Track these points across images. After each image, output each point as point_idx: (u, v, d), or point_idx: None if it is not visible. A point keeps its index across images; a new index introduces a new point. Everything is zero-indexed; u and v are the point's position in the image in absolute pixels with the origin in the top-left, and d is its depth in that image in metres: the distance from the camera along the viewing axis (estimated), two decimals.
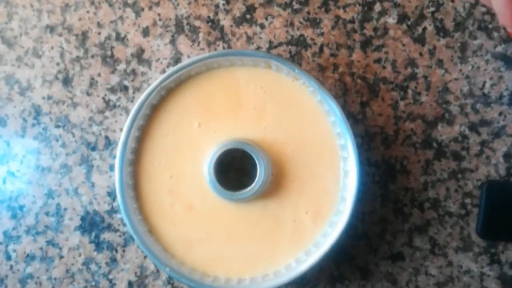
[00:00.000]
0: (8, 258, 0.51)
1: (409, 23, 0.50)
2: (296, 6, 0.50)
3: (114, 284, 0.51)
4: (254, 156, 0.44)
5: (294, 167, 0.46)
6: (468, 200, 0.50)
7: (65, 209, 0.51)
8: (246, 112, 0.46)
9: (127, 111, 0.51)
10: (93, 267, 0.51)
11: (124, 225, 0.51)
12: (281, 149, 0.46)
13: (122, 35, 0.51)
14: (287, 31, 0.50)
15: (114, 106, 0.51)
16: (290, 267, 0.45)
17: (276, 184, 0.46)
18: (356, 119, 0.50)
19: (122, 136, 0.45)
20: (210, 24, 0.51)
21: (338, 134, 0.45)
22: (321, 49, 0.50)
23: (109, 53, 0.51)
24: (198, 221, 0.46)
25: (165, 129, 0.46)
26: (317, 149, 0.46)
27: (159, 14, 0.51)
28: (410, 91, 0.50)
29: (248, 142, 0.45)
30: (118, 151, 0.45)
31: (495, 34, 0.49)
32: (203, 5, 0.51)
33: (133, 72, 0.51)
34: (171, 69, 0.45)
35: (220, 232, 0.46)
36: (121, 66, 0.51)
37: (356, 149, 0.44)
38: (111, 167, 0.51)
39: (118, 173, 0.45)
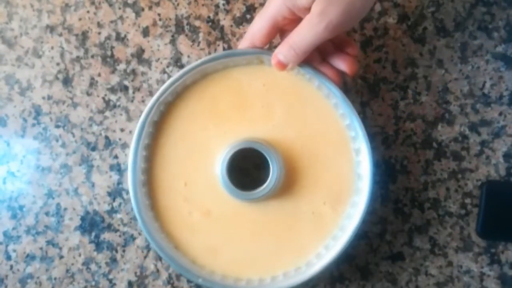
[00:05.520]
0: (8, 258, 0.51)
1: (409, 23, 0.50)
2: None
3: (114, 284, 0.51)
4: (265, 154, 0.44)
5: (306, 160, 0.45)
6: (468, 200, 0.50)
7: (65, 209, 0.51)
8: (253, 111, 0.46)
9: (127, 111, 0.51)
10: (93, 267, 0.51)
11: (125, 225, 0.51)
12: (291, 144, 0.45)
13: (122, 35, 0.51)
14: None
15: (114, 106, 0.51)
16: (319, 255, 0.45)
17: (290, 180, 0.45)
18: None
19: (130, 159, 0.44)
20: (210, 24, 0.51)
21: (342, 115, 0.45)
22: None
23: (109, 53, 0.51)
24: (218, 226, 0.46)
25: (173, 142, 0.46)
26: (325, 138, 0.45)
27: (159, 14, 0.51)
28: (410, 91, 0.50)
29: (257, 140, 0.44)
30: (129, 175, 0.45)
31: (495, 34, 0.49)
32: (203, 5, 0.51)
33: (133, 72, 0.51)
34: (165, 84, 0.44)
35: (242, 234, 0.46)
36: (121, 66, 0.51)
37: (363, 125, 0.44)
38: (111, 167, 0.51)
39: (133, 197, 0.45)
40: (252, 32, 0.43)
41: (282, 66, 0.42)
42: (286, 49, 0.41)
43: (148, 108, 0.45)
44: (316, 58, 0.44)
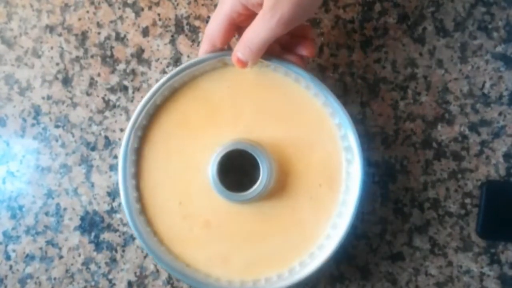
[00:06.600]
0: (8, 258, 0.51)
1: (409, 23, 0.50)
2: None
3: (114, 284, 0.51)
4: (251, 152, 0.43)
5: (292, 148, 0.45)
6: (468, 200, 0.50)
7: (65, 209, 0.51)
8: (227, 114, 0.45)
9: (127, 111, 0.51)
10: (92, 267, 0.51)
11: (125, 225, 0.51)
12: (273, 136, 0.45)
13: (122, 35, 0.51)
14: None
15: (114, 106, 0.51)
16: (329, 236, 0.45)
17: (283, 173, 0.45)
18: (356, 119, 0.50)
19: (121, 191, 0.44)
20: None
21: (316, 95, 0.45)
22: (321, 49, 0.50)
23: (108, 53, 0.51)
24: (222, 234, 0.45)
25: (157, 163, 0.46)
26: (304, 121, 0.45)
27: (158, 14, 0.51)
28: (410, 91, 0.50)
29: (242, 140, 0.44)
30: (123, 206, 0.45)
31: (495, 34, 0.49)
32: (203, 5, 0.51)
33: (133, 72, 0.51)
34: (137, 108, 0.44)
35: (249, 236, 0.45)
36: (121, 66, 0.51)
37: (338, 100, 0.43)
38: (111, 167, 0.51)
39: (133, 226, 0.45)
40: (210, 33, 0.42)
41: (242, 64, 0.42)
42: (242, 47, 0.41)
43: (126, 135, 0.44)
44: (275, 49, 0.44)
